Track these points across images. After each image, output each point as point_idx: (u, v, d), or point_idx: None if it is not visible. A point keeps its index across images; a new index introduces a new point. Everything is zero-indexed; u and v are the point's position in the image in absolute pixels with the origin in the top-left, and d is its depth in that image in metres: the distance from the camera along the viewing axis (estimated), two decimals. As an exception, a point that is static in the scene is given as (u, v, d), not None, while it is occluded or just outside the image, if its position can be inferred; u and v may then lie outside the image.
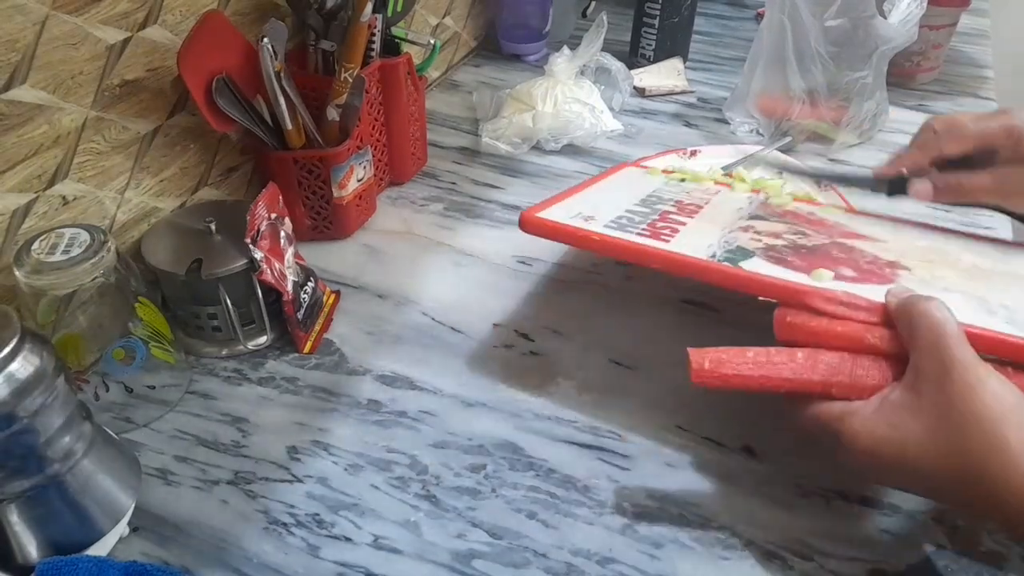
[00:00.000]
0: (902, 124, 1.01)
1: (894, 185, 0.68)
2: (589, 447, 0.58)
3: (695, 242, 0.55)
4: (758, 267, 0.52)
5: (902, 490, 0.50)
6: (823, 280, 0.51)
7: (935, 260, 0.59)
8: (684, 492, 0.55)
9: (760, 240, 0.57)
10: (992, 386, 0.41)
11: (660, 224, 0.59)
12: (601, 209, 0.61)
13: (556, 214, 0.60)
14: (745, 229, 0.60)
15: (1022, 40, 1.57)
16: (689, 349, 0.49)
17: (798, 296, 0.49)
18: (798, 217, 0.64)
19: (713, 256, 0.54)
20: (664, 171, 0.74)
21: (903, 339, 0.46)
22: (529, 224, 0.59)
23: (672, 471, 0.56)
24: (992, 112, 0.62)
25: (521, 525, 0.53)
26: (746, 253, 0.54)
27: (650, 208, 0.62)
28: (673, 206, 0.62)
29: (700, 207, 0.64)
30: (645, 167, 0.74)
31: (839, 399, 0.47)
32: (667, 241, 0.55)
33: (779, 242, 0.57)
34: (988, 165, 0.61)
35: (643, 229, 0.58)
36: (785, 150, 0.91)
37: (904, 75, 1.09)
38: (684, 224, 0.59)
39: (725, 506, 0.54)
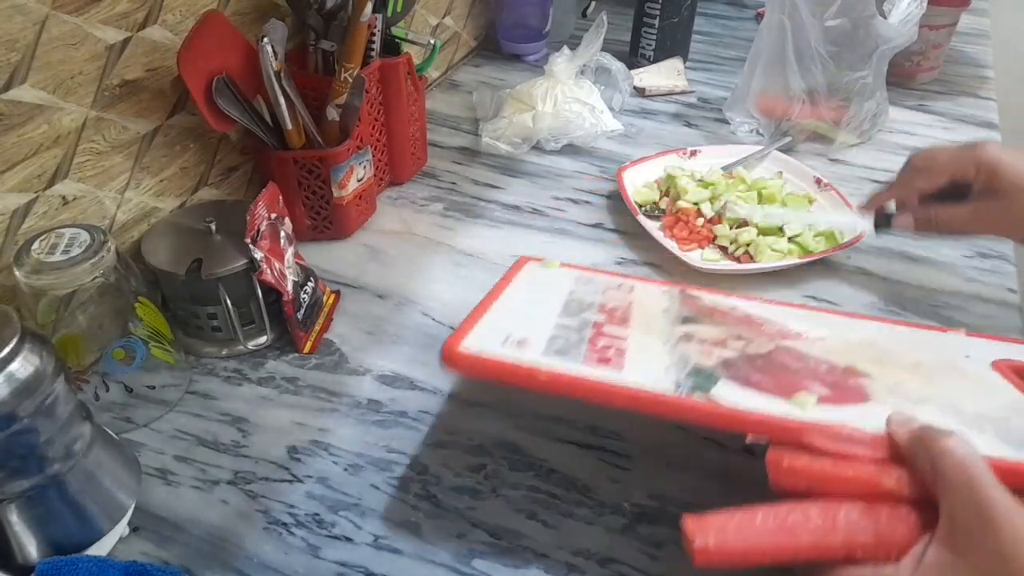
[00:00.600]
0: (902, 124, 1.01)
1: (879, 220, 0.70)
2: (589, 447, 0.58)
3: (648, 366, 0.49)
4: (730, 394, 0.46)
5: None
6: (808, 407, 0.45)
7: (882, 360, 0.55)
8: (684, 492, 0.55)
9: (712, 353, 0.52)
10: None
11: (600, 341, 0.52)
12: (529, 327, 0.53)
13: (485, 342, 0.50)
14: (687, 339, 0.55)
15: (1022, 40, 1.57)
16: (687, 521, 0.42)
17: (794, 434, 0.43)
18: (726, 316, 0.60)
19: (678, 386, 0.47)
20: (562, 264, 0.68)
21: (924, 480, 0.40)
22: (457, 362, 0.48)
23: (672, 471, 0.56)
24: (965, 146, 0.62)
25: (521, 525, 0.53)
26: (710, 377, 0.48)
27: (578, 319, 0.55)
28: (600, 313, 0.56)
29: (627, 311, 0.58)
30: (539, 260, 0.68)
31: (864, 561, 0.40)
32: (620, 367, 0.49)
33: (729, 353, 0.52)
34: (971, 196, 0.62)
35: (586, 352, 0.50)
36: (785, 150, 0.91)
37: (904, 75, 1.09)
38: (623, 338, 0.53)
39: (725, 506, 0.54)
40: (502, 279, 0.63)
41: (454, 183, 0.89)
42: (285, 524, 0.53)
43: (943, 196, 0.65)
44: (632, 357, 0.50)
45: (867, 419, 0.44)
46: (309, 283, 0.67)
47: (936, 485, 0.39)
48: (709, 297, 0.64)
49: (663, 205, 0.83)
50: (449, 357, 0.48)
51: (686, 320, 0.58)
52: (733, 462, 0.57)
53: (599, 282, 0.65)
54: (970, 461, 0.39)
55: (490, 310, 0.55)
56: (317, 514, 0.53)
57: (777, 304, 0.65)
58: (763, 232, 0.77)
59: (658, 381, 0.47)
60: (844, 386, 0.49)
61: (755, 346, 0.54)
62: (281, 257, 0.64)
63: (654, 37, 1.12)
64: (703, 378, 0.48)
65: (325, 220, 0.77)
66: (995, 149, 0.61)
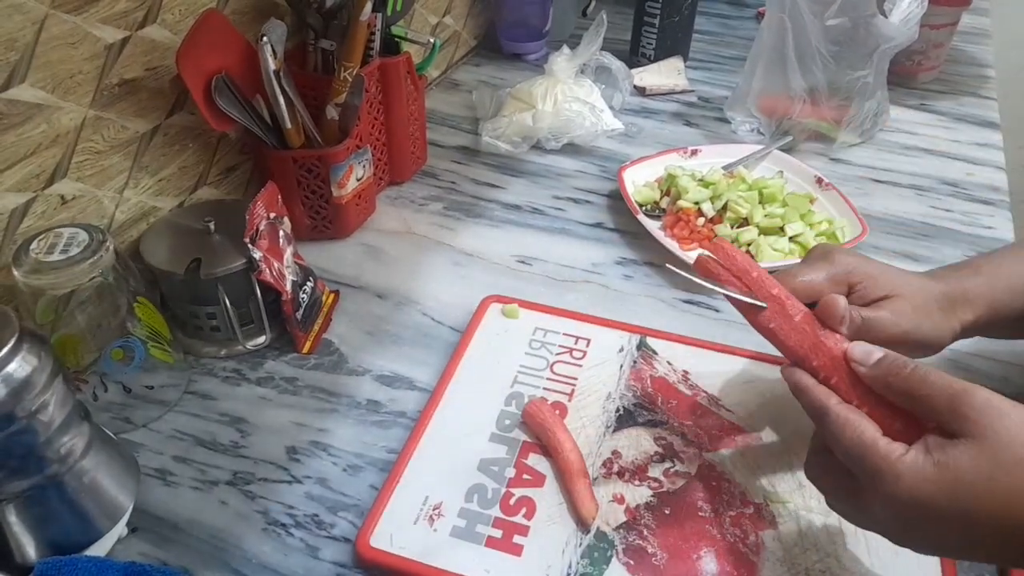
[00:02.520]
0: (903, 123, 1.01)
1: None
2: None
3: (550, 540, 0.51)
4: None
5: (932, 553, 0.46)
6: None
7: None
8: None
9: (624, 499, 0.53)
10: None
11: (511, 507, 0.53)
12: (447, 483, 0.54)
13: (398, 522, 0.52)
14: (608, 469, 0.55)
15: (1023, 39, 1.57)
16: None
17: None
18: (668, 403, 0.60)
19: (569, 568, 0.49)
20: (520, 305, 0.68)
21: (900, 404, 0.43)
22: (368, 562, 0.50)
23: (672, 471, 0.56)
24: (816, 259, 0.54)
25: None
26: (605, 552, 0.50)
27: (495, 479, 0.55)
28: (514, 469, 0.55)
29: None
30: (504, 301, 0.69)
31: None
32: (519, 551, 0.50)
33: (640, 496, 0.53)
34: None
35: (491, 527, 0.52)
36: (786, 149, 0.91)
37: (905, 74, 1.09)
38: (534, 506, 0.53)
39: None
40: (455, 353, 0.64)
41: (454, 182, 0.89)
42: (284, 525, 0.53)
43: None
44: (537, 525, 0.52)
45: None
46: (308, 283, 0.67)
47: (919, 407, 0.42)
48: (663, 360, 0.64)
49: (664, 204, 0.83)
50: (363, 556, 0.50)
51: (620, 420, 0.59)
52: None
53: (550, 351, 0.65)
54: (934, 379, 0.41)
55: (420, 445, 0.57)
56: (316, 515, 0.53)
57: (736, 354, 0.65)
58: (764, 232, 0.77)
59: (552, 567, 0.49)
60: (737, 553, 0.50)
61: (677, 471, 0.55)
62: (280, 257, 0.64)
63: (654, 36, 1.11)
64: (598, 555, 0.50)
65: (324, 219, 0.77)
66: (851, 260, 0.54)
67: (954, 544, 0.41)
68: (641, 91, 1.08)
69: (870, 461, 0.41)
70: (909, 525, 0.41)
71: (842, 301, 0.48)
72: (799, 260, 0.73)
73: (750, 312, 0.50)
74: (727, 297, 0.50)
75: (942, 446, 0.39)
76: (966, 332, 0.53)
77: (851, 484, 0.43)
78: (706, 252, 0.52)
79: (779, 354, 0.49)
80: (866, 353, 0.45)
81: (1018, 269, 0.55)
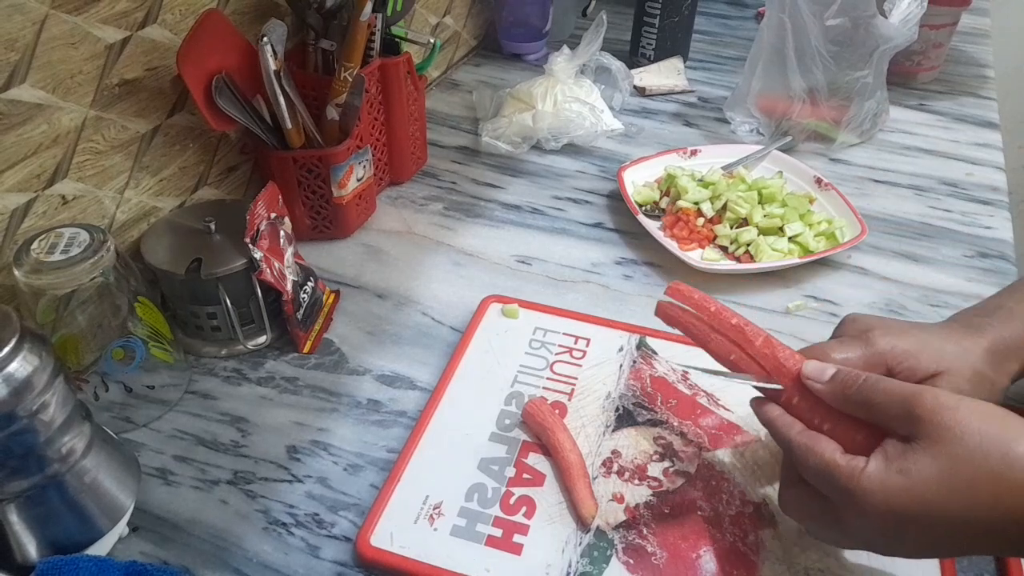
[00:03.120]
0: (903, 124, 1.01)
1: None
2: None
3: (551, 539, 0.51)
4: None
5: (922, 556, 0.46)
6: None
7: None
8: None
9: (624, 497, 0.53)
10: (984, 409, 0.40)
11: (511, 506, 0.53)
12: (448, 482, 0.54)
13: (399, 520, 0.52)
14: (607, 468, 0.55)
15: (1023, 40, 1.57)
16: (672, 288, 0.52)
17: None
18: (668, 402, 0.60)
19: (569, 567, 0.49)
20: (521, 305, 0.68)
21: (858, 416, 0.44)
22: (369, 561, 0.50)
23: (672, 471, 0.56)
24: (850, 338, 0.51)
25: (521, 525, 0.53)
26: (605, 551, 0.50)
27: (495, 479, 0.55)
28: (513, 468, 0.55)
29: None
30: (504, 301, 0.69)
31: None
32: (519, 551, 0.50)
33: (639, 495, 0.54)
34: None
35: (492, 526, 0.52)
36: (785, 150, 0.91)
37: (905, 74, 1.09)
38: (534, 506, 0.53)
39: None
40: (456, 352, 0.64)
41: (454, 183, 0.89)
42: (285, 524, 0.53)
43: None
44: (537, 524, 0.52)
45: None
46: (309, 283, 0.67)
47: (875, 416, 0.43)
48: (663, 360, 0.64)
49: (663, 205, 0.83)
50: (362, 555, 0.50)
51: (620, 419, 0.59)
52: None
53: (550, 350, 0.65)
54: (888, 386, 0.43)
55: (416, 452, 0.57)
56: (317, 514, 0.53)
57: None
58: (763, 232, 0.77)
59: (552, 566, 0.50)
60: (736, 552, 0.50)
61: (677, 470, 0.56)
62: (281, 257, 0.64)
63: (654, 36, 1.11)
64: (597, 554, 0.50)
65: (325, 220, 0.77)
66: (887, 341, 0.50)
67: (940, 544, 0.41)
68: (641, 91, 1.08)
69: (837, 481, 0.41)
70: (891, 535, 0.41)
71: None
72: (798, 259, 0.74)
73: (717, 347, 0.51)
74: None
75: (902, 452, 0.40)
76: (1014, 380, 0.51)
77: (827, 509, 0.43)
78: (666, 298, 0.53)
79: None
80: (819, 370, 0.46)
81: None
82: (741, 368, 0.49)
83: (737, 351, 0.50)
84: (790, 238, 0.76)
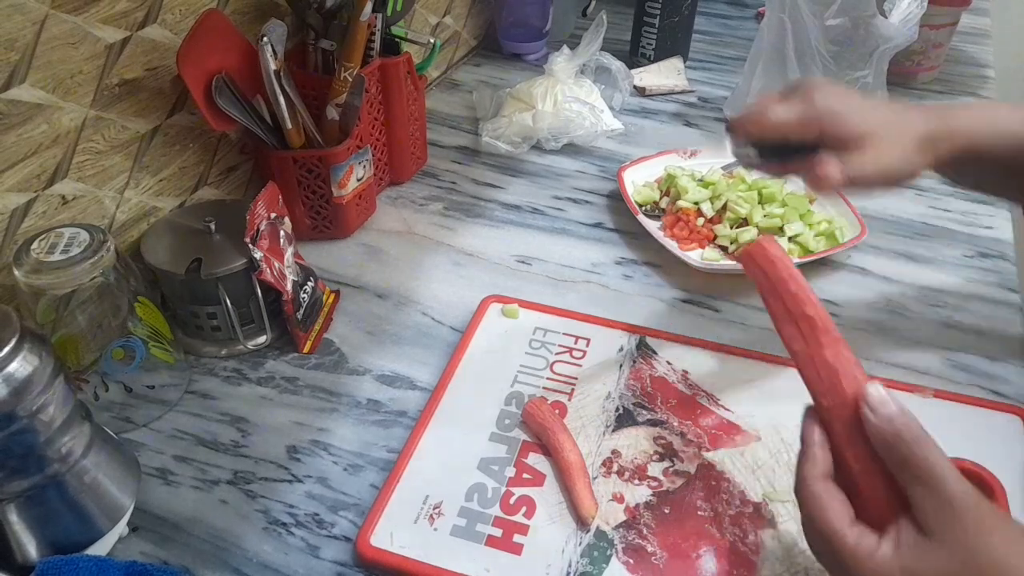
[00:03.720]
0: (902, 123, 1.01)
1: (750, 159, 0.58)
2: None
3: (550, 539, 0.51)
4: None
5: None
6: None
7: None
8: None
9: (623, 498, 0.53)
10: (1008, 532, 0.37)
11: (511, 506, 0.53)
12: (448, 482, 0.54)
13: (398, 521, 0.52)
14: (607, 468, 0.55)
15: (1022, 40, 1.57)
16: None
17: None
18: (667, 402, 0.60)
19: (569, 567, 0.49)
20: (521, 305, 0.68)
21: (889, 464, 0.40)
22: (369, 561, 0.50)
23: (672, 471, 0.56)
24: (794, 97, 0.52)
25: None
26: (604, 551, 0.50)
27: (495, 479, 0.55)
28: (513, 468, 0.55)
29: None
30: (504, 301, 0.69)
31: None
32: (519, 551, 0.50)
33: (639, 495, 0.54)
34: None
35: (492, 526, 0.52)
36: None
37: (905, 74, 1.09)
38: (534, 506, 0.53)
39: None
40: (456, 353, 0.64)
41: (454, 183, 0.89)
42: (285, 524, 0.53)
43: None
44: (537, 524, 0.52)
45: None
46: (309, 283, 0.67)
47: (903, 475, 0.39)
48: (663, 360, 0.64)
49: (663, 205, 0.83)
50: (362, 555, 0.50)
51: (620, 419, 0.59)
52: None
53: (550, 350, 0.65)
54: (933, 459, 0.38)
55: (414, 457, 0.56)
56: (317, 514, 0.53)
57: (735, 354, 0.64)
58: (763, 232, 0.77)
59: (552, 566, 0.50)
60: (736, 552, 0.50)
61: (677, 470, 0.55)
62: (281, 257, 0.64)
63: (654, 36, 1.11)
64: (598, 554, 0.50)
65: (325, 219, 0.77)
66: (828, 104, 0.52)
67: None
68: (641, 91, 1.08)
69: (839, 553, 0.39)
70: None
71: None
72: (798, 259, 0.74)
73: (784, 327, 0.44)
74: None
75: (914, 546, 0.38)
76: (941, 167, 0.53)
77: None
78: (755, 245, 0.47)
79: (779, 353, 0.49)
80: (881, 401, 0.40)
81: (1013, 115, 0.54)
82: (798, 362, 0.44)
83: (800, 343, 0.43)
84: (790, 238, 0.76)
